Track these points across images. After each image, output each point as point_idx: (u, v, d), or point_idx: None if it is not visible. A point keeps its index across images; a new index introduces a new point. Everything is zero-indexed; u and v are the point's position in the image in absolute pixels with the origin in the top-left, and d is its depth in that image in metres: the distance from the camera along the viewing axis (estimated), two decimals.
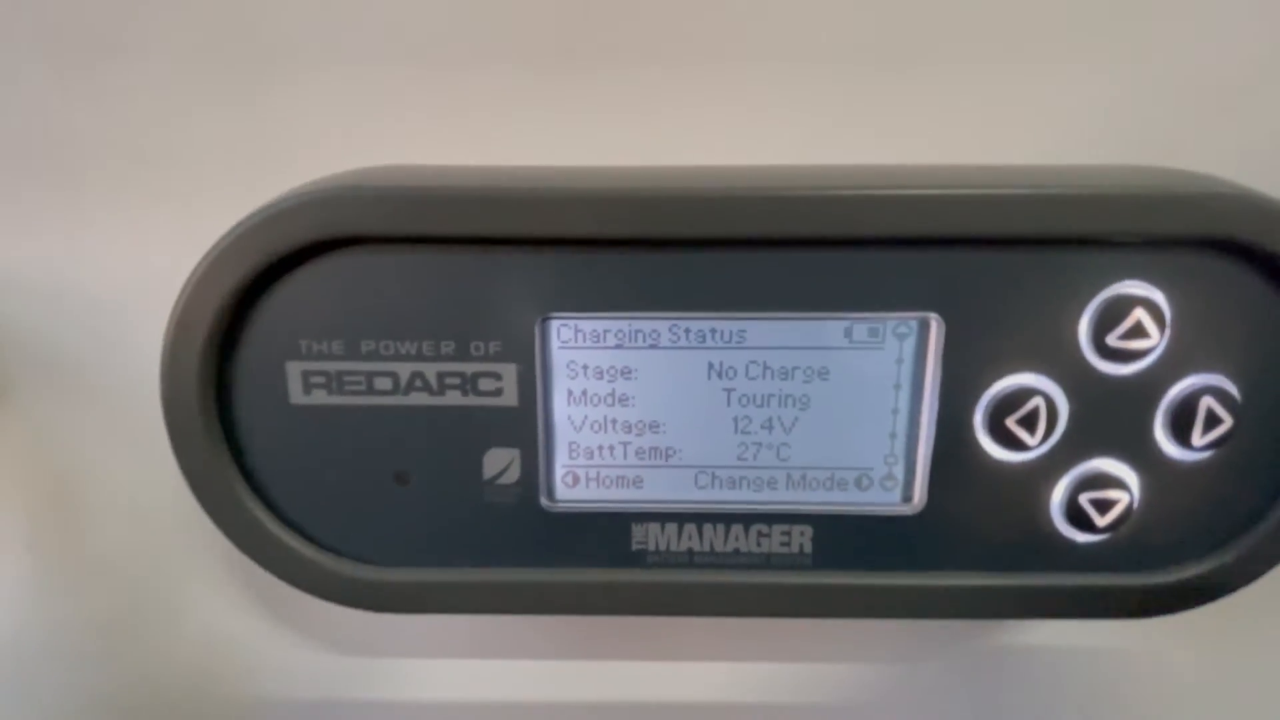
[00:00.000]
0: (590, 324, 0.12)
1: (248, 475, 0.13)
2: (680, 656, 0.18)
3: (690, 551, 0.13)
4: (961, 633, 0.18)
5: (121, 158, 0.15)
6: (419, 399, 0.12)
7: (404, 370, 0.12)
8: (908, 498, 0.13)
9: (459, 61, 0.14)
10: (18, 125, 0.15)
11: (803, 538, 0.13)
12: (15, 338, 0.17)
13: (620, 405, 0.13)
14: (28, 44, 0.15)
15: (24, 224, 0.16)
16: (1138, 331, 0.12)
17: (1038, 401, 0.12)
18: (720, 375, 0.13)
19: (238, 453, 0.12)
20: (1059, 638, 0.17)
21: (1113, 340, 0.12)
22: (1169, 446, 0.12)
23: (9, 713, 0.20)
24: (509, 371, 0.12)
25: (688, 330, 0.12)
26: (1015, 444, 0.12)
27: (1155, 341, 0.12)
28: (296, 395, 0.12)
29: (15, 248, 0.16)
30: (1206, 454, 0.12)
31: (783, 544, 0.13)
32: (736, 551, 0.13)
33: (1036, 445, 0.12)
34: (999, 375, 0.12)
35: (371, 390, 0.12)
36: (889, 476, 0.13)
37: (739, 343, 0.12)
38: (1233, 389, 0.12)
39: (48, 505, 0.18)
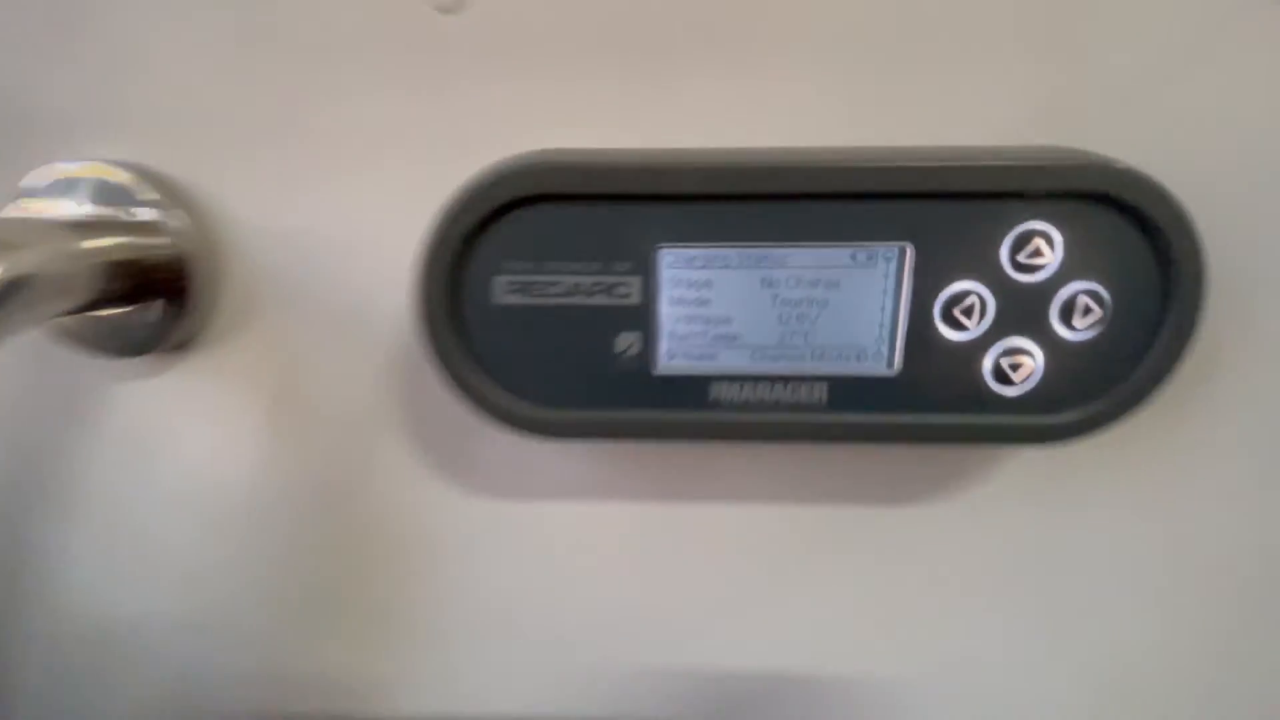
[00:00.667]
0: (686, 252, 0.19)
1: (468, 350, 0.20)
2: (733, 497, 0.25)
3: (746, 401, 0.20)
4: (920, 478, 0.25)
5: (349, 142, 0.23)
6: (578, 299, 0.19)
7: (568, 281, 0.19)
8: (890, 365, 0.20)
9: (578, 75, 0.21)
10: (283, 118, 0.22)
11: (820, 391, 0.20)
12: (270, 274, 0.24)
13: (702, 306, 0.20)
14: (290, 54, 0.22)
15: (282, 192, 0.23)
16: (1038, 253, 0.18)
17: (974, 299, 0.19)
18: (768, 286, 0.19)
19: (464, 336, 0.20)
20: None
21: (1022, 259, 0.18)
22: (1060, 329, 0.19)
23: (250, 553, 0.28)
24: (635, 282, 0.19)
25: (747, 255, 0.19)
26: (959, 327, 0.19)
27: (1050, 260, 0.18)
28: (499, 298, 0.19)
29: (276, 208, 0.23)
30: (1086, 334, 0.19)
31: (807, 395, 0.20)
32: (777, 401, 0.20)
33: (973, 329, 0.19)
34: (949, 282, 0.19)
35: (547, 294, 0.19)
36: (878, 351, 0.20)
37: (781, 265, 0.19)
38: (1104, 292, 0.19)
39: (285, 395, 0.26)
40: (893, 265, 0.19)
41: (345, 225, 0.23)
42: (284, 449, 0.26)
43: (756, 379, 0.20)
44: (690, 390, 0.20)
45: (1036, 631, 0.26)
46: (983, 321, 0.19)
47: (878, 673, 0.27)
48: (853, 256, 0.19)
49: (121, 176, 0.22)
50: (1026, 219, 0.18)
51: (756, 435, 0.20)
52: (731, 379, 0.20)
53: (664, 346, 0.20)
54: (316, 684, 0.29)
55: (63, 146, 0.23)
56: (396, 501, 0.26)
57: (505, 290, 0.19)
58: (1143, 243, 0.18)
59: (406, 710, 0.29)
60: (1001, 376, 0.19)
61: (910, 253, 0.19)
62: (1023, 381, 0.19)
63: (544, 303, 0.19)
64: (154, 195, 0.22)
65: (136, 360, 0.24)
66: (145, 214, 0.22)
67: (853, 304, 0.19)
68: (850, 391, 0.20)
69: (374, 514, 0.27)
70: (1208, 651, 0.26)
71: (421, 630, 0.28)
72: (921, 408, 0.20)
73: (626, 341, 0.20)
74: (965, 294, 0.19)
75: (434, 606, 0.27)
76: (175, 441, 0.26)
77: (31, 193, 0.22)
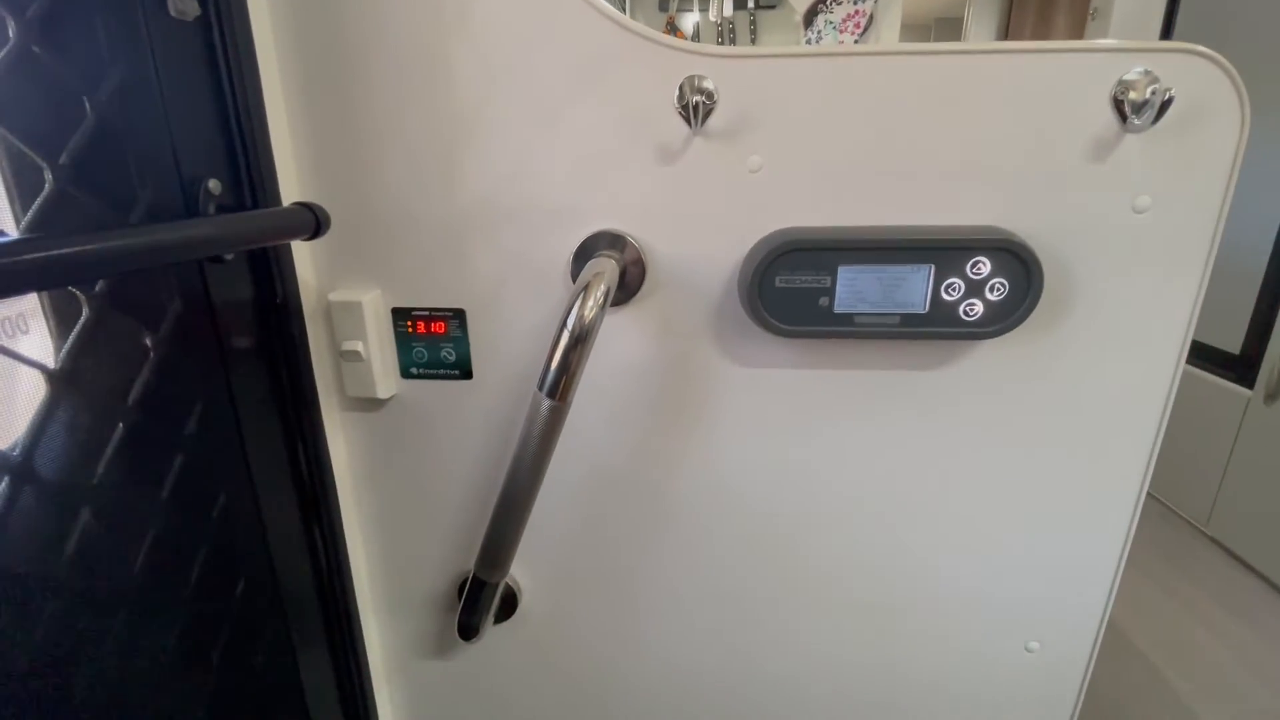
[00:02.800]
0: (848, 268, 0.52)
1: (763, 306, 0.53)
2: (858, 367, 0.58)
3: (869, 323, 0.53)
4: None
5: (709, 219, 0.56)
6: (807, 283, 0.52)
7: (809, 279, 0.52)
8: (924, 309, 0.52)
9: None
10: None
11: (895, 319, 0.53)
12: (669, 277, 0.58)
13: (851, 286, 0.52)
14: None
15: (675, 243, 0.57)
16: (982, 267, 0.50)
17: (957, 283, 0.51)
18: (879, 279, 0.52)
19: (763, 300, 0.53)
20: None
21: (974, 271, 0.50)
22: (990, 296, 0.51)
23: (624, 410, 0.63)
24: (827, 279, 0.52)
25: (870, 269, 0.52)
26: (950, 294, 0.51)
27: (986, 270, 0.50)
28: (777, 284, 0.53)
29: (670, 246, 0.57)
30: (1000, 297, 0.51)
31: (891, 320, 0.53)
32: (881, 322, 0.53)
33: (955, 296, 0.51)
34: (946, 279, 0.51)
35: (794, 285, 0.52)
36: (920, 303, 0.52)
37: (883, 271, 0.52)
38: (1006, 282, 0.50)
39: (666, 326, 0.60)
40: (925, 271, 0.51)
41: (698, 258, 0.57)
42: (661, 351, 0.61)
43: (873, 315, 0.53)
44: (847, 319, 0.53)
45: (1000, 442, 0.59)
46: (959, 293, 0.51)
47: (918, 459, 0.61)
48: (912, 269, 0.51)
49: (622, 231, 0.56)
50: (978, 254, 0.50)
51: (874, 335, 0.53)
52: (863, 315, 0.53)
53: (838, 301, 0.53)
54: None
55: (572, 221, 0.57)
56: (706, 367, 0.61)
57: (780, 280, 0.53)
58: (1020, 264, 0.50)
59: None
60: (966, 314, 0.52)
61: (932, 268, 0.51)
62: (975, 317, 0.52)
63: (792, 286, 0.53)
64: (635, 245, 0.56)
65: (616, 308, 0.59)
66: (630, 253, 0.56)
67: (911, 286, 0.52)
68: (910, 320, 0.53)
69: (701, 373, 0.61)
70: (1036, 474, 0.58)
71: None
72: (938, 324, 0.52)
73: (825, 300, 0.53)
74: (953, 282, 0.51)
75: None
76: (616, 345, 0.60)
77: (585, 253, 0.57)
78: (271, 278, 0.54)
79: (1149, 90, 0.47)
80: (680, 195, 0.55)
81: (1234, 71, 0.47)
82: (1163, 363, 0.55)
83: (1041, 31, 3.32)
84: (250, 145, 0.50)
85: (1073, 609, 0.64)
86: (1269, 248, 1.82)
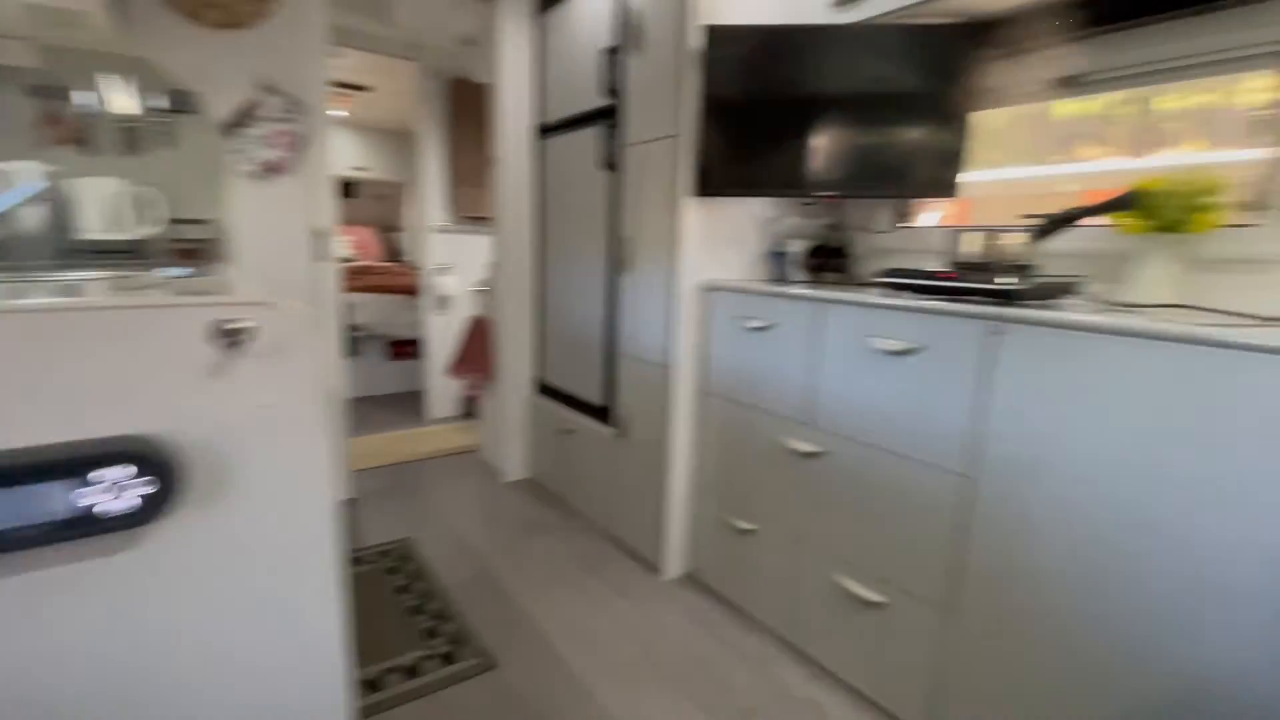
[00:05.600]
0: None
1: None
2: None
3: None
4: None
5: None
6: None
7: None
8: None
9: None
10: None
11: None
12: None
13: None
14: None
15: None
16: (127, 473, 0.63)
17: None
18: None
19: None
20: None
21: (113, 479, 0.62)
22: (135, 493, 0.64)
23: None
24: None
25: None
26: None
27: (136, 473, 0.63)
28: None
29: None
30: (145, 494, 0.64)
31: None
32: None
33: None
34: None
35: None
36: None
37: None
38: (154, 480, 0.64)
39: None
40: (61, 487, 0.60)
41: None
42: None
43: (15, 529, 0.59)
44: None
45: None
46: (104, 494, 0.62)
47: None
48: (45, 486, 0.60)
49: None
50: (111, 464, 0.62)
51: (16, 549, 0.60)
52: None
53: None
54: None
55: None
56: None
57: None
58: (156, 462, 0.64)
59: None
60: (122, 509, 0.63)
61: (65, 482, 0.61)
62: (131, 508, 0.64)
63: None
64: None
65: None
66: None
67: (49, 498, 0.60)
68: (58, 529, 0.61)
69: None
70: None
71: None
72: (89, 526, 0.62)
73: None
74: (94, 489, 0.62)
75: None
76: None
77: None
78: None
79: (241, 330, 0.68)
80: None
81: (303, 314, 0.73)
82: (319, 503, 0.78)
83: (479, 159, 4.09)
84: None
85: (321, 704, 0.83)
86: (602, 336, 2.65)
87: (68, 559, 0.64)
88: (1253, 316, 1.27)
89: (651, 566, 2.43)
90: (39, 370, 0.61)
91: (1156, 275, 1.40)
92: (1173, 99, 1.60)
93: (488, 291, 3.43)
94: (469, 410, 4.25)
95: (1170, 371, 1.08)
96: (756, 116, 1.98)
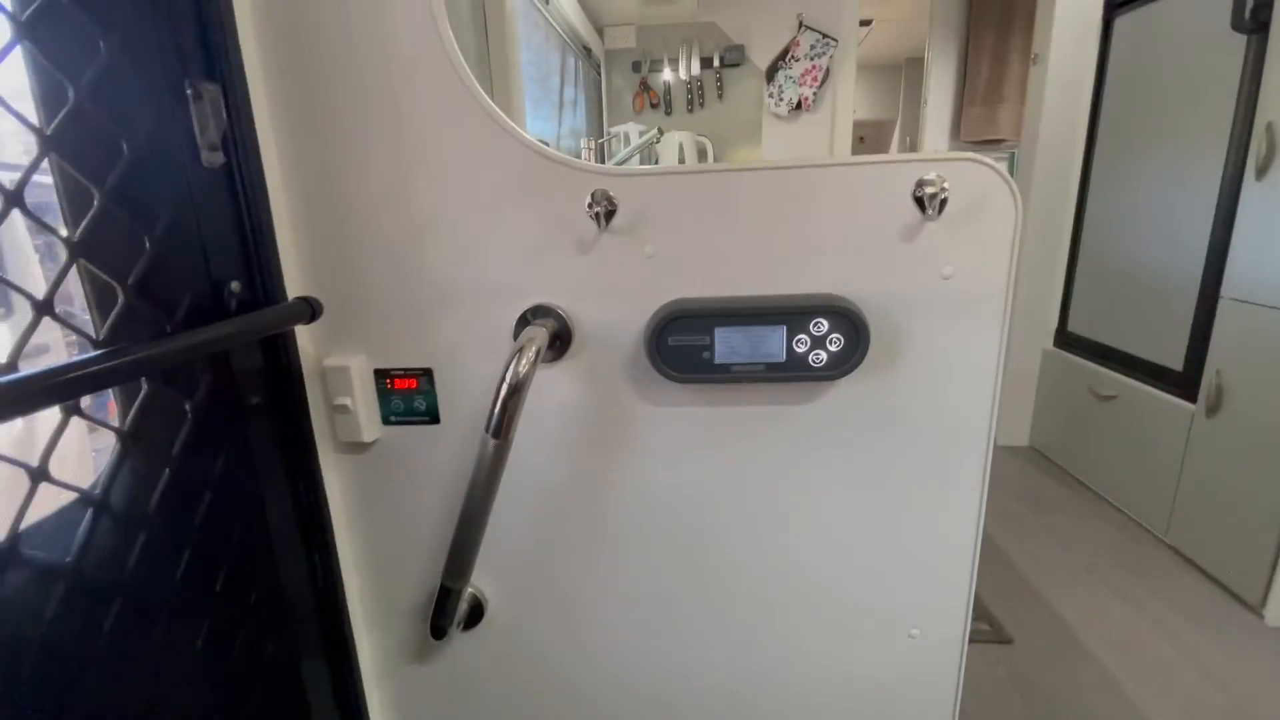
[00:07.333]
0: (723, 329, 0.67)
1: (662, 357, 0.68)
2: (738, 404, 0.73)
3: (738, 370, 0.68)
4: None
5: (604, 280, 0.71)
6: (692, 341, 0.67)
7: (693, 338, 0.67)
8: (782, 358, 0.67)
9: None
10: None
11: (762, 368, 0.68)
12: (591, 337, 0.73)
13: (726, 343, 0.67)
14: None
15: (599, 310, 0.72)
16: (822, 325, 0.65)
17: (804, 339, 0.66)
18: (747, 337, 0.67)
19: (661, 352, 0.68)
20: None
21: (816, 329, 0.65)
22: (830, 348, 0.66)
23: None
24: (706, 338, 0.67)
25: (741, 329, 0.67)
26: (802, 347, 0.66)
27: (826, 328, 0.65)
28: (669, 342, 0.68)
29: (591, 318, 0.72)
30: (836, 349, 0.66)
31: (761, 368, 0.68)
32: (750, 367, 0.68)
33: (803, 350, 0.66)
34: (796, 334, 0.66)
35: (682, 343, 0.68)
36: (779, 354, 0.67)
37: (749, 332, 0.67)
38: (841, 336, 0.65)
39: (594, 377, 0.75)
40: (781, 330, 0.66)
41: (612, 323, 0.72)
42: (589, 396, 0.75)
43: (744, 364, 0.68)
44: (725, 368, 0.68)
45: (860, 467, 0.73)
46: (807, 346, 0.66)
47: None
48: (771, 329, 0.66)
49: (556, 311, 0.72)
50: (818, 316, 0.65)
51: (746, 380, 0.68)
52: (737, 364, 0.68)
53: (716, 354, 0.68)
54: None
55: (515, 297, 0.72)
56: (625, 407, 0.75)
57: (671, 340, 0.68)
58: (851, 321, 0.65)
59: None
60: (814, 362, 0.66)
61: (785, 327, 0.66)
62: (821, 364, 0.66)
63: (682, 344, 0.68)
64: (564, 314, 0.72)
65: (547, 365, 0.74)
66: (559, 321, 0.72)
67: (771, 341, 0.67)
68: (772, 367, 0.67)
69: (621, 413, 0.76)
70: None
71: None
72: (793, 370, 0.67)
73: (707, 354, 0.68)
74: (801, 337, 0.66)
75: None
76: (553, 393, 0.75)
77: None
78: (279, 350, 0.70)
79: (938, 189, 0.62)
80: (596, 275, 0.70)
81: (1005, 173, 0.63)
82: (981, 390, 0.69)
83: (998, 71, 3.54)
84: (262, 253, 0.66)
85: (942, 598, 0.77)
86: (1200, 271, 1.97)
87: (769, 400, 0.70)
88: None
89: (1240, 600, 1.75)
90: (770, 224, 0.65)
91: None
92: None
93: None
94: None
95: None
96: None
